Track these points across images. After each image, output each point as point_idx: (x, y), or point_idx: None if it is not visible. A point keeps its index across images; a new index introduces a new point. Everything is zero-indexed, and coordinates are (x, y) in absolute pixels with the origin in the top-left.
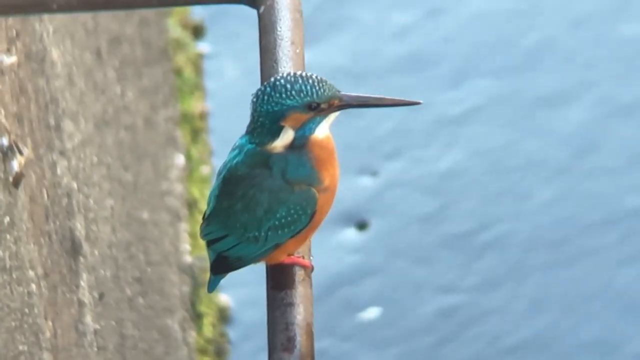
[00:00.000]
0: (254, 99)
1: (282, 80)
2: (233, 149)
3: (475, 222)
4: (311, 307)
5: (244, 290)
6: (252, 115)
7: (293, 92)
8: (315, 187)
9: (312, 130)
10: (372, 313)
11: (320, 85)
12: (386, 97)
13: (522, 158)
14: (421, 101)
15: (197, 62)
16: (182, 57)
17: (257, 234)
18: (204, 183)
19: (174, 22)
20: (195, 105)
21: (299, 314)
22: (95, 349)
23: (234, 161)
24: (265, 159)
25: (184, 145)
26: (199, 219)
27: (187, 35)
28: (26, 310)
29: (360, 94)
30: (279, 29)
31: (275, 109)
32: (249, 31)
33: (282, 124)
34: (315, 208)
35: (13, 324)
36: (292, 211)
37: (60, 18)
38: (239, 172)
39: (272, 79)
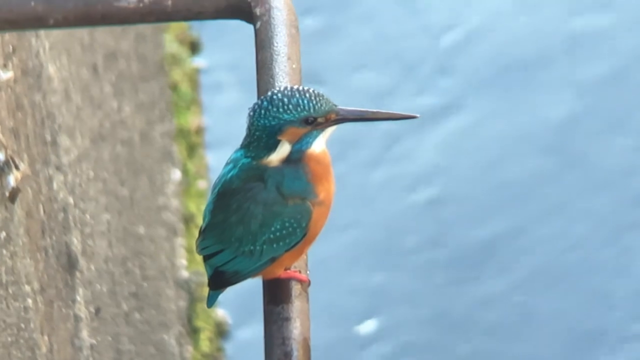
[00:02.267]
0: (251, 113)
1: (279, 95)
2: (227, 163)
3: None
4: (308, 321)
5: (240, 304)
6: (249, 129)
7: (290, 106)
8: (310, 201)
9: (309, 145)
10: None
11: (317, 99)
12: (382, 110)
13: None
14: (417, 115)
15: (194, 77)
16: (179, 72)
17: (252, 247)
18: (201, 198)
19: (170, 37)
20: (192, 120)
21: (296, 329)
22: None
23: (229, 175)
24: (261, 173)
25: (180, 160)
26: (196, 233)
27: (183, 51)
28: (22, 325)
29: (357, 108)
30: (275, 44)
31: (273, 123)
32: (246, 46)
33: (279, 138)
34: (310, 221)
35: (9, 339)
36: (286, 224)
37: (57, 34)
38: (234, 185)
39: (269, 93)
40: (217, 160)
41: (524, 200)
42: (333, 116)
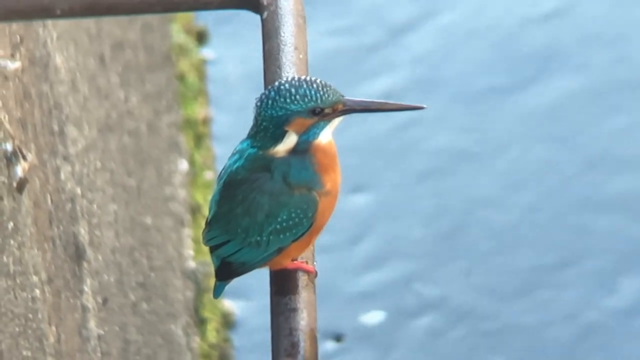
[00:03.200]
0: (258, 103)
1: (287, 85)
2: (233, 154)
3: None
4: (315, 312)
5: (247, 295)
6: (256, 119)
7: (297, 97)
8: (316, 191)
9: (315, 136)
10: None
11: (325, 90)
12: (389, 102)
13: None
14: (425, 105)
15: (201, 67)
16: (186, 62)
17: (258, 238)
18: (208, 188)
19: (177, 28)
20: (199, 111)
21: (303, 320)
22: (99, 355)
23: (235, 166)
24: (267, 163)
25: (187, 150)
26: (203, 224)
27: (190, 41)
28: (30, 315)
29: (364, 99)
30: (282, 34)
31: (280, 113)
32: (252, 37)
33: (286, 128)
34: (316, 211)
35: (17, 329)
36: (293, 214)
37: (64, 24)
38: (239, 176)
39: (277, 84)
40: (224, 150)
41: (501, 104)
42: (340, 107)
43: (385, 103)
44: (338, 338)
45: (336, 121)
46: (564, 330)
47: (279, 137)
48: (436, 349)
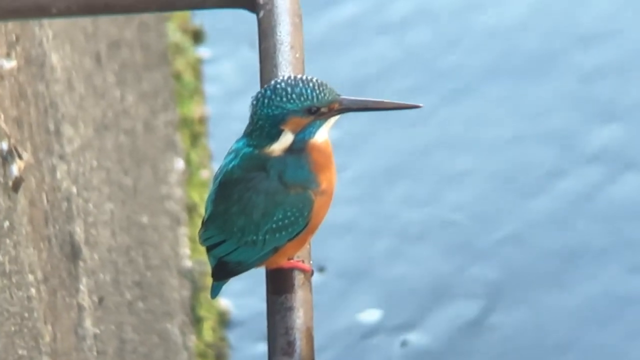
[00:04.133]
0: (254, 102)
1: (283, 84)
2: (229, 153)
3: None
4: (311, 311)
5: (244, 294)
6: (252, 118)
7: (293, 96)
8: (312, 190)
9: (312, 134)
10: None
11: (321, 89)
12: (386, 100)
13: None
14: (421, 104)
15: (197, 66)
16: (182, 61)
17: (254, 237)
18: (204, 187)
19: (173, 27)
20: (195, 110)
21: (299, 318)
22: (95, 353)
23: (230, 165)
24: (263, 163)
25: (183, 149)
26: (199, 223)
27: (186, 40)
28: (26, 314)
29: (360, 98)
30: (278, 33)
31: (276, 112)
32: (249, 36)
33: (282, 127)
34: (311, 211)
35: (13, 328)
36: (288, 214)
37: (60, 23)
38: (235, 175)
39: (273, 82)
40: (220, 149)
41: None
42: (336, 106)
43: (382, 102)
44: (321, 269)
45: (332, 120)
46: (556, 238)
47: (275, 136)
48: (427, 269)
